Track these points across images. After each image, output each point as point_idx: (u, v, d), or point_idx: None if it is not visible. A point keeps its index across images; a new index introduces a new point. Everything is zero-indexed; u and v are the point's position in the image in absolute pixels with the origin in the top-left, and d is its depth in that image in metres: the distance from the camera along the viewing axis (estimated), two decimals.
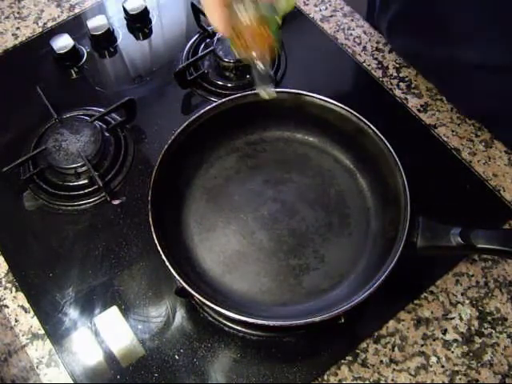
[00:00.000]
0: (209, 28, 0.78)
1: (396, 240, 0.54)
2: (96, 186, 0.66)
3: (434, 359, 0.57)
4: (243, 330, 0.58)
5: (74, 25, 0.83)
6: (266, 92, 0.57)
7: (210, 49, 0.75)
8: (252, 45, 0.52)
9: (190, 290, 0.52)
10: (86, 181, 0.67)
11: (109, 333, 0.59)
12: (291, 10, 0.53)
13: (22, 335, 0.59)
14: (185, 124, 0.62)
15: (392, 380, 0.56)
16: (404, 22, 0.74)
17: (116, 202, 0.67)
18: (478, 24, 0.62)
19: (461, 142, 0.71)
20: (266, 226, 0.62)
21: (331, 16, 0.82)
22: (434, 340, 0.58)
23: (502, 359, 0.57)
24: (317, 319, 0.50)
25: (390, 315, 0.60)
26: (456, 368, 0.57)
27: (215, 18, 0.49)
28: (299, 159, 0.67)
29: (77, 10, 0.84)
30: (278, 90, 0.67)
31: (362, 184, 0.65)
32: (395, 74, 0.76)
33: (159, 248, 0.54)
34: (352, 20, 0.82)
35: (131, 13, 0.80)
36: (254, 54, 0.53)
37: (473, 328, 0.59)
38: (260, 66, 0.54)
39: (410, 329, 0.59)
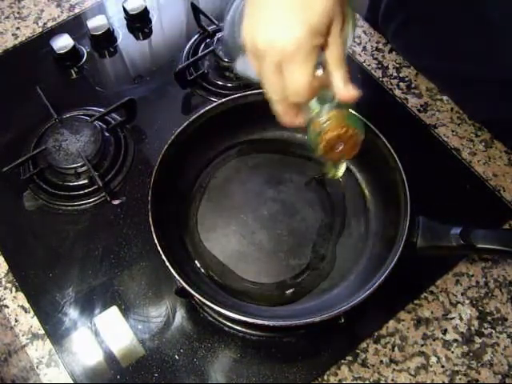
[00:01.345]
0: (209, 28, 0.78)
1: (396, 240, 0.54)
2: (96, 186, 0.66)
3: (433, 359, 0.57)
4: (243, 330, 0.58)
5: (74, 25, 0.83)
6: (337, 173, 0.55)
7: (210, 49, 0.75)
8: (340, 148, 0.48)
9: (189, 290, 0.52)
10: (86, 181, 0.67)
11: (109, 333, 0.59)
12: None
13: (22, 335, 0.59)
14: (185, 124, 0.62)
15: (392, 380, 0.56)
16: (409, 30, 0.75)
17: (116, 202, 0.67)
18: (494, 38, 0.62)
19: (461, 141, 0.71)
20: (265, 226, 0.62)
21: None
22: (434, 340, 0.58)
23: (502, 359, 0.57)
24: (317, 319, 0.50)
25: (390, 315, 0.60)
26: (456, 368, 0.57)
27: (286, 118, 0.46)
28: (299, 159, 0.67)
29: (77, 10, 0.84)
30: None
31: (362, 184, 0.65)
32: (395, 74, 0.77)
33: (159, 248, 0.54)
34: None
35: (131, 13, 0.80)
36: (341, 156, 0.50)
37: (473, 328, 0.59)
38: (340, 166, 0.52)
39: (409, 329, 0.59)
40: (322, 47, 0.42)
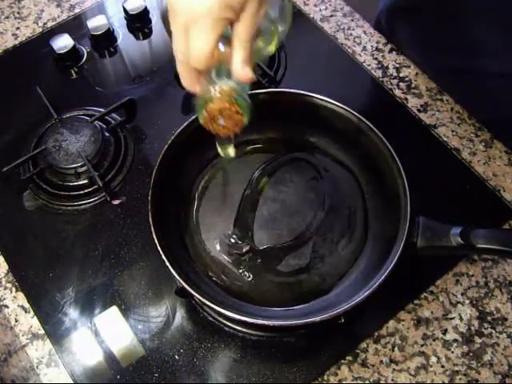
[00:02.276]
0: None
1: (396, 240, 0.54)
2: (96, 186, 0.66)
3: (434, 359, 0.57)
4: (243, 330, 0.58)
5: (74, 25, 0.83)
6: (226, 153, 0.57)
7: None
8: (221, 122, 0.50)
9: (189, 290, 0.52)
10: (86, 181, 0.67)
11: (109, 333, 0.59)
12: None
13: (22, 335, 0.59)
14: (185, 124, 0.62)
15: (392, 380, 0.56)
16: (413, 27, 0.75)
17: (116, 202, 0.67)
18: (502, 36, 0.63)
19: (461, 142, 0.71)
20: (265, 226, 0.62)
21: (331, 16, 0.83)
22: (434, 340, 0.58)
23: (502, 359, 0.57)
24: (317, 319, 0.50)
25: (390, 315, 0.60)
26: (456, 368, 0.57)
27: (185, 81, 0.47)
28: (299, 159, 0.67)
29: (77, 10, 0.84)
30: (278, 90, 0.67)
31: (362, 184, 0.65)
32: (395, 74, 0.77)
33: (159, 248, 0.54)
34: (352, 20, 0.82)
35: (131, 13, 0.80)
36: (221, 130, 0.52)
37: (473, 328, 0.59)
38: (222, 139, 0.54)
39: (410, 329, 0.59)
40: (232, 22, 0.44)
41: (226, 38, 0.45)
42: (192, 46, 0.44)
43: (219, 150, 0.57)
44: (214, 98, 0.48)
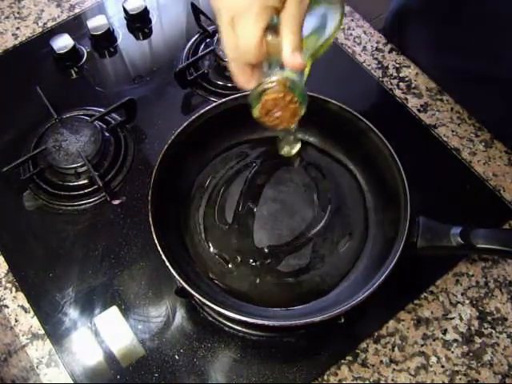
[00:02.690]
0: (209, 28, 0.78)
1: (396, 240, 0.54)
2: (96, 186, 0.66)
3: (434, 359, 0.57)
4: (243, 330, 0.58)
5: (74, 25, 0.83)
6: (287, 150, 0.55)
7: (210, 49, 0.75)
8: (277, 114, 0.48)
9: (189, 290, 0.52)
10: (86, 181, 0.67)
11: (109, 333, 0.59)
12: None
13: (22, 335, 0.59)
14: (185, 124, 0.62)
15: (392, 380, 0.56)
16: (415, 28, 0.75)
17: (116, 202, 0.67)
18: None
19: (461, 142, 0.71)
20: (265, 226, 0.62)
21: None
22: (434, 340, 0.58)
23: (502, 359, 0.57)
24: (317, 319, 0.50)
25: (390, 315, 0.60)
26: (456, 368, 0.57)
27: (240, 78, 0.46)
28: (299, 159, 0.67)
29: (77, 10, 0.84)
30: None
31: (362, 184, 0.65)
32: (395, 74, 0.77)
33: (159, 248, 0.54)
34: (352, 20, 0.82)
35: (131, 13, 0.80)
36: (277, 123, 0.49)
37: (473, 328, 0.59)
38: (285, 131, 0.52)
39: (410, 329, 0.59)
40: (278, 10, 0.42)
41: (273, 28, 0.43)
42: (240, 39, 0.43)
43: (280, 147, 0.54)
44: (268, 89, 0.46)
